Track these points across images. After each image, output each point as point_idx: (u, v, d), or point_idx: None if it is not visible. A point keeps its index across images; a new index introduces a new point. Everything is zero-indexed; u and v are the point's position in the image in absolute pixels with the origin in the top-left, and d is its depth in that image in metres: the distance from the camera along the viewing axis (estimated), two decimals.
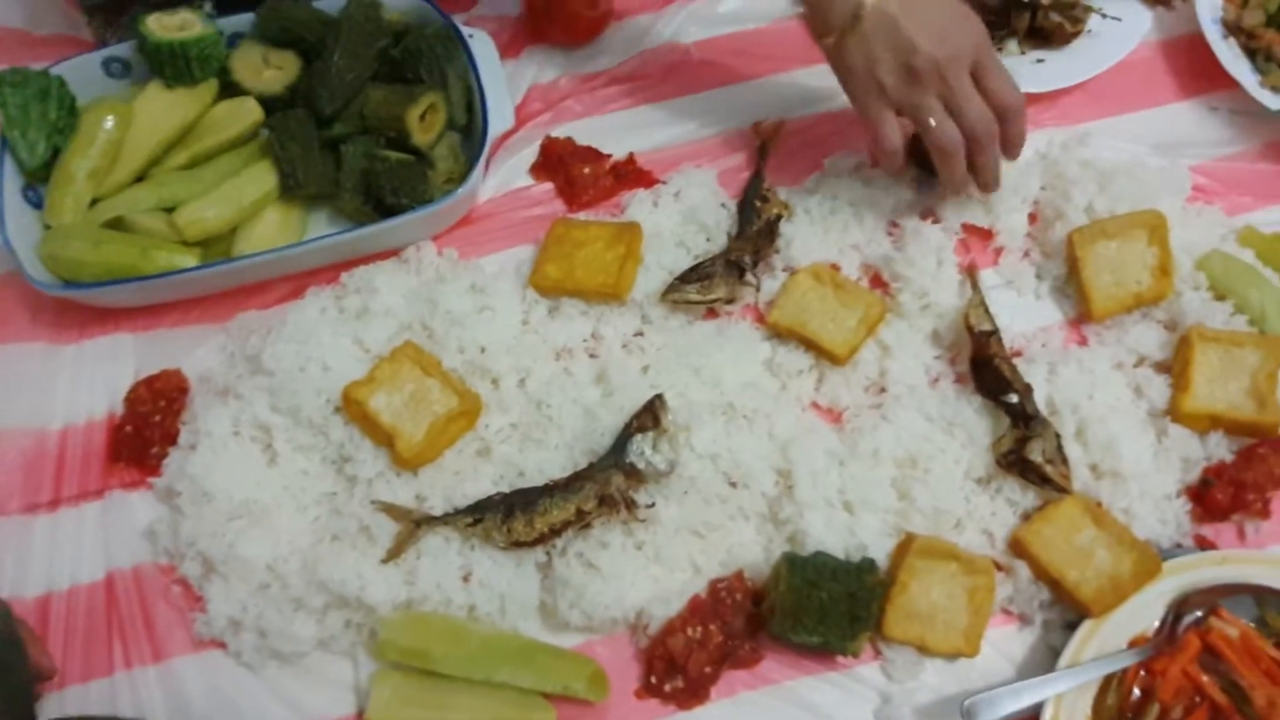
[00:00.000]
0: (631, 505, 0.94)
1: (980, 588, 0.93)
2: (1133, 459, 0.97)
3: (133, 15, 1.11)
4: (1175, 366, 1.01)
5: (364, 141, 1.10)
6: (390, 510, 0.95)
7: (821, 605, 0.89)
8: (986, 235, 1.12)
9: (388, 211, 1.07)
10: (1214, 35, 1.18)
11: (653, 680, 0.92)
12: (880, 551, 0.95)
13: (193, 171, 1.11)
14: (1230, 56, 1.17)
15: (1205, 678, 0.88)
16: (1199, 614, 0.90)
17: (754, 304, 1.09)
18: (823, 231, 1.10)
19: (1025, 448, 0.95)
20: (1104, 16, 1.23)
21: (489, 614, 0.94)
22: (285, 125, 1.09)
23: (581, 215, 1.15)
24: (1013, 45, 1.22)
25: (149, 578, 0.99)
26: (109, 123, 1.08)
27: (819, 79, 1.23)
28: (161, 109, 1.11)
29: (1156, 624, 0.91)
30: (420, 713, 0.90)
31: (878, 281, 1.10)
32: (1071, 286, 1.08)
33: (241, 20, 1.15)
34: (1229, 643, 0.89)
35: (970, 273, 1.07)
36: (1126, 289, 1.05)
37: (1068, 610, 0.93)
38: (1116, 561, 0.92)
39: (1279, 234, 1.09)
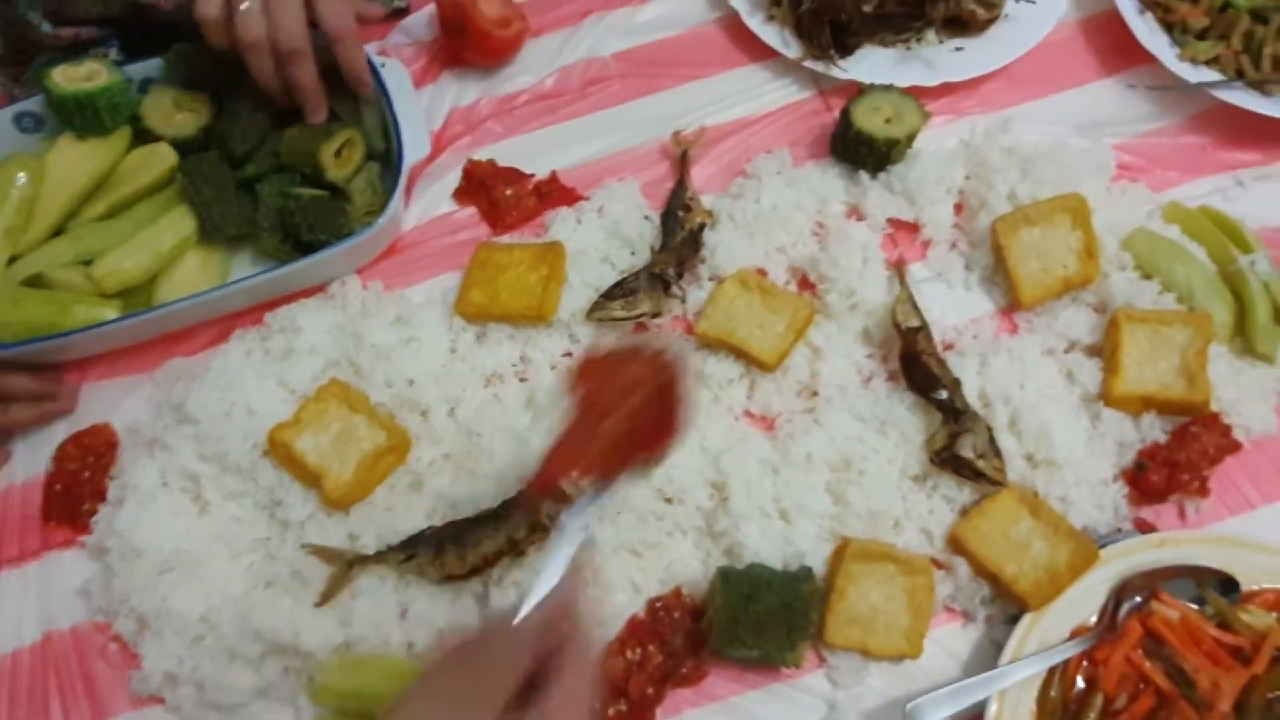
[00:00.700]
0: None
1: (920, 588, 0.92)
2: (1067, 446, 0.96)
3: (36, 68, 1.09)
4: (1105, 349, 1.01)
5: (278, 180, 1.09)
6: (321, 553, 0.94)
7: (758, 618, 0.88)
8: (913, 229, 1.11)
9: (307, 249, 1.06)
10: (1130, 11, 1.17)
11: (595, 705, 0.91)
12: (818, 558, 0.94)
13: (110, 222, 1.10)
14: (1147, 31, 1.16)
15: (1148, 664, 0.87)
16: (1139, 599, 0.90)
17: (682, 315, 1.08)
18: (748, 237, 1.09)
19: (956, 444, 0.94)
20: (1020, 0, 1.22)
21: (428, 650, 0.93)
22: (199, 168, 1.08)
23: (506, 238, 1.14)
24: (931, 35, 1.22)
25: (86, 637, 0.98)
26: (21, 179, 1.07)
27: (740, 82, 1.23)
28: (74, 161, 1.10)
29: (1098, 613, 0.91)
30: None
31: (806, 283, 1.09)
32: (1000, 275, 1.07)
33: (150, 65, 1.13)
34: (1170, 626, 0.88)
35: (898, 268, 1.07)
36: (1053, 274, 1.04)
37: (1010, 605, 0.93)
38: (1053, 552, 0.91)
39: (1204, 207, 1.09)
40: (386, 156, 1.15)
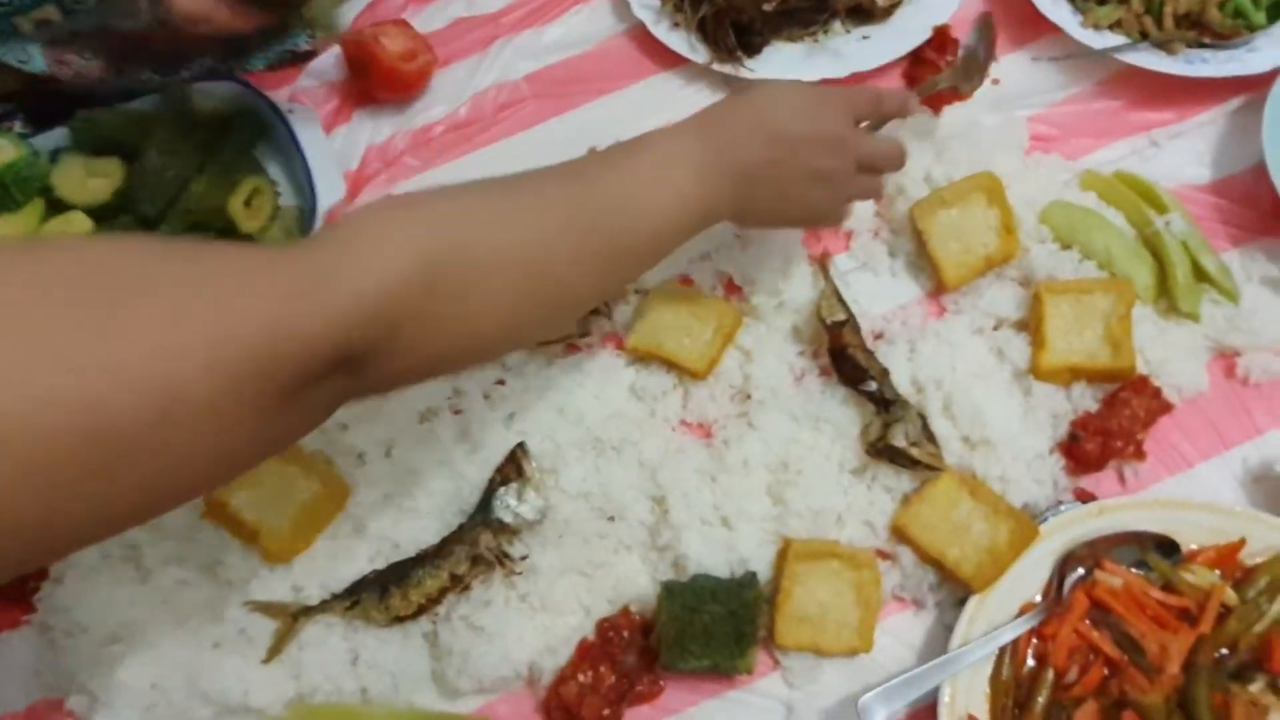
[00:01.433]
0: (505, 560, 0.93)
1: (866, 581, 0.92)
2: (1000, 424, 0.96)
3: None
4: (1030, 323, 1.01)
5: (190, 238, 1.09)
6: (265, 608, 0.94)
7: (705, 629, 0.88)
8: None
9: None
10: None
11: None
12: (763, 562, 0.94)
13: None
14: (1049, 3, 1.16)
15: (1096, 634, 0.88)
16: (1082, 570, 0.90)
17: (611, 332, 1.08)
18: None
19: (889, 434, 0.94)
20: None
21: (382, 693, 0.92)
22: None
23: None
24: (836, 25, 1.22)
25: (41, 715, 0.97)
26: None
27: (653, 91, 1.23)
28: None
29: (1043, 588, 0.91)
30: None
31: (732, 287, 1.09)
32: (924, 260, 1.08)
33: (57, 135, 1.12)
34: (1115, 594, 0.88)
35: (821, 263, 1.07)
36: (975, 254, 1.04)
37: (957, 589, 0.93)
38: (994, 532, 0.91)
39: (1119, 172, 1.09)
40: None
